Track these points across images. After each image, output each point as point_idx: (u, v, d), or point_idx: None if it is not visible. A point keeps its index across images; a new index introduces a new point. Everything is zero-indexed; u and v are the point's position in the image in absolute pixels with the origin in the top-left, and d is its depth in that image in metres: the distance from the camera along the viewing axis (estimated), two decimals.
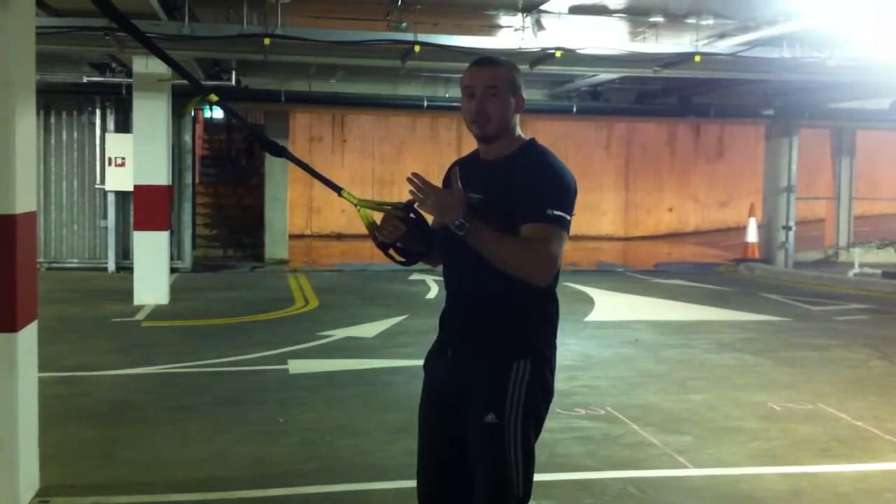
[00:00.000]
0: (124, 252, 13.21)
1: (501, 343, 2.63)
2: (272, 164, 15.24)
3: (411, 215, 2.62)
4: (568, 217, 2.58)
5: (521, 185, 2.61)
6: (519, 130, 2.75)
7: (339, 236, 20.42)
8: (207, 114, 16.51)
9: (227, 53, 10.37)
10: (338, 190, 2.81)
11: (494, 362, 2.62)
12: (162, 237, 10.59)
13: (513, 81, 2.70)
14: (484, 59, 2.75)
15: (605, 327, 9.17)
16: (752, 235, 15.74)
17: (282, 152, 2.94)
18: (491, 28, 10.25)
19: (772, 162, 15.95)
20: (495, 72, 2.70)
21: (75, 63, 12.37)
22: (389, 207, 2.64)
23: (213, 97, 3.07)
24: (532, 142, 2.74)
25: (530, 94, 15.06)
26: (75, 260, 13.37)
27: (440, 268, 2.86)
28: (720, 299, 11.43)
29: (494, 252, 2.53)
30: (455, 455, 2.71)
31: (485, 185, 2.67)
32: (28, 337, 4.18)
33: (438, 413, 2.76)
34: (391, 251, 2.71)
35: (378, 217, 2.68)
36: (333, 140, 20.40)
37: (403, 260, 2.73)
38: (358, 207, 2.70)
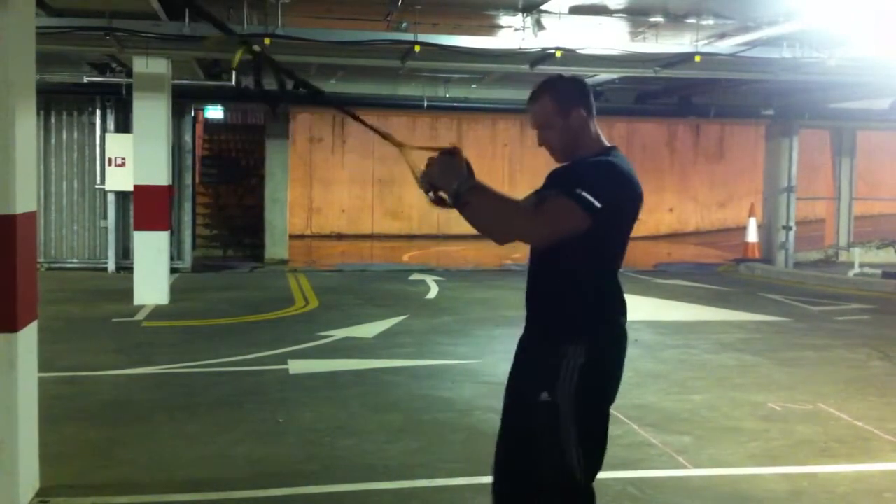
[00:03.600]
0: (124, 252, 13.21)
1: (556, 325, 2.75)
2: (272, 164, 15.25)
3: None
4: (586, 195, 2.60)
5: (571, 174, 2.75)
6: (601, 138, 2.85)
7: (339, 236, 20.43)
8: (208, 114, 16.50)
9: (227, 53, 10.36)
10: (386, 136, 2.89)
11: (551, 343, 2.73)
12: (162, 237, 10.59)
13: (557, 107, 2.79)
14: (530, 96, 2.87)
15: None
16: (752, 235, 15.74)
17: (326, 100, 3.03)
18: (491, 28, 10.25)
19: (772, 162, 15.95)
20: (535, 110, 2.83)
21: (75, 63, 12.37)
22: (433, 149, 2.73)
23: (256, 48, 3.15)
24: (607, 148, 2.82)
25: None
26: (75, 260, 13.37)
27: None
28: (720, 299, 11.43)
29: (490, 209, 2.68)
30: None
31: (556, 180, 2.83)
32: (28, 337, 4.18)
33: (508, 390, 2.90)
34: (439, 195, 2.75)
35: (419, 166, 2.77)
36: (334, 140, 20.41)
37: (448, 201, 2.75)
38: (403, 151, 2.81)
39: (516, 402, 2.84)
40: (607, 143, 2.86)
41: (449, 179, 2.64)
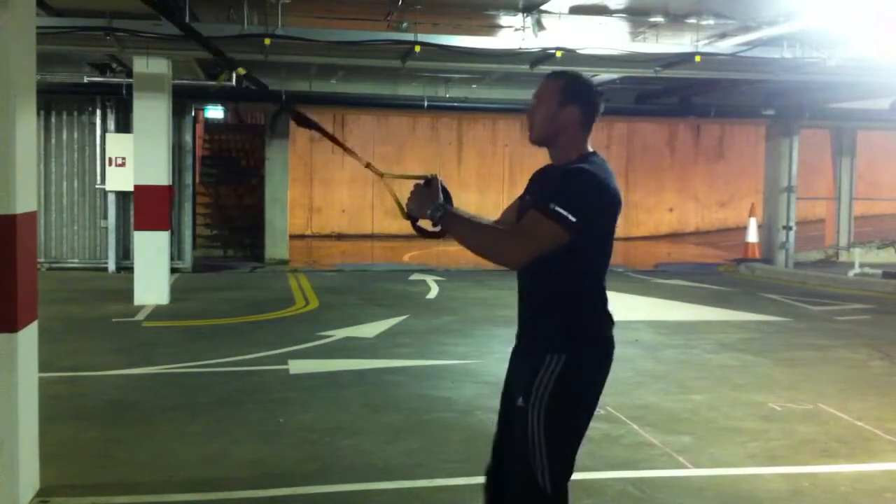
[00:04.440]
0: (124, 252, 13.22)
1: (540, 336, 2.79)
2: (272, 164, 15.25)
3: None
4: (565, 213, 2.62)
5: (546, 185, 2.78)
6: (586, 145, 2.85)
7: (340, 236, 20.43)
8: (208, 114, 16.51)
9: (227, 54, 10.37)
10: (368, 165, 3.00)
11: (534, 353, 2.76)
12: (162, 237, 10.59)
13: (562, 93, 2.82)
14: (547, 74, 2.94)
15: None
16: (752, 235, 15.74)
17: (311, 124, 3.12)
18: (491, 28, 10.25)
19: (772, 162, 15.95)
20: (546, 84, 2.87)
21: (75, 63, 12.37)
22: (413, 177, 2.81)
23: (241, 70, 3.26)
24: (585, 154, 2.82)
25: (531, 94, 15.00)
26: (75, 260, 13.38)
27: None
28: (720, 299, 11.43)
29: (465, 236, 2.73)
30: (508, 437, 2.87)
31: (533, 186, 2.88)
32: (28, 337, 4.18)
33: (503, 397, 2.94)
34: (420, 223, 2.84)
35: (402, 195, 2.85)
36: None
37: (433, 231, 2.82)
38: (384, 179, 2.89)
39: (505, 403, 2.89)
40: (590, 149, 2.84)
41: (423, 209, 2.71)
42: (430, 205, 2.71)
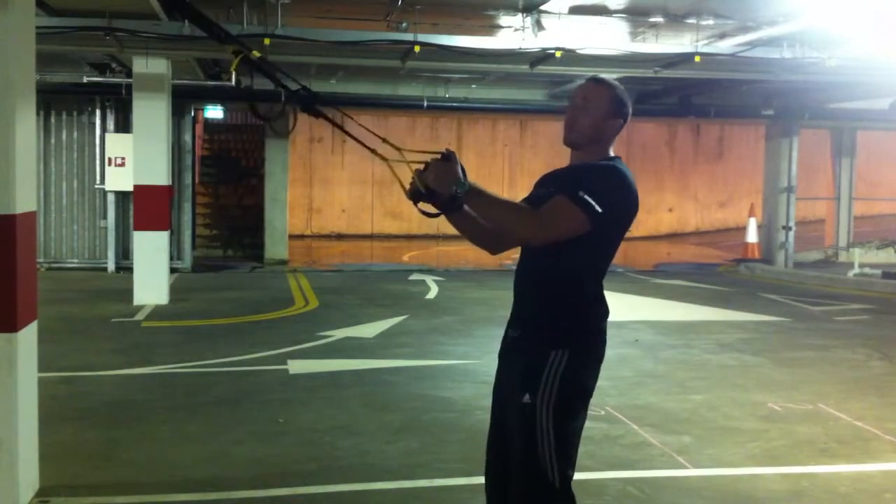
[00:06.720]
0: (124, 252, 13.22)
1: (542, 333, 2.76)
2: (272, 164, 15.25)
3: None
4: (593, 203, 2.62)
5: (573, 176, 2.76)
6: (610, 151, 2.86)
7: (339, 236, 20.43)
8: (208, 114, 16.50)
9: (227, 54, 10.36)
10: (376, 147, 2.99)
11: (535, 350, 2.74)
12: (162, 237, 10.59)
13: (610, 102, 2.83)
14: (594, 77, 2.92)
15: None
16: (752, 235, 15.75)
17: (318, 113, 3.12)
18: (491, 28, 10.25)
19: (772, 162, 15.95)
20: (595, 89, 2.86)
21: (75, 63, 12.37)
22: (429, 154, 2.74)
23: (256, 53, 3.20)
24: (610, 157, 2.84)
25: (531, 94, 15.06)
26: (75, 260, 13.38)
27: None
28: (720, 299, 11.43)
29: (487, 211, 2.68)
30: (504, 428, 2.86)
31: (553, 181, 2.84)
32: (28, 337, 4.18)
33: (496, 388, 2.93)
34: (421, 205, 2.75)
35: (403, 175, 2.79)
36: (333, 140, 20.41)
37: (436, 212, 2.75)
38: (397, 157, 2.85)
39: (502, 402, 2.87)
40: (612, 154, 2.88)
41: (446, 185, 2.61)
42: (453, 181, 2.61)
